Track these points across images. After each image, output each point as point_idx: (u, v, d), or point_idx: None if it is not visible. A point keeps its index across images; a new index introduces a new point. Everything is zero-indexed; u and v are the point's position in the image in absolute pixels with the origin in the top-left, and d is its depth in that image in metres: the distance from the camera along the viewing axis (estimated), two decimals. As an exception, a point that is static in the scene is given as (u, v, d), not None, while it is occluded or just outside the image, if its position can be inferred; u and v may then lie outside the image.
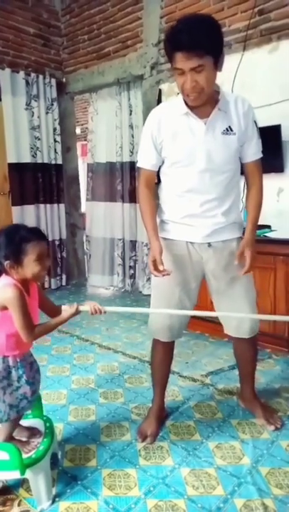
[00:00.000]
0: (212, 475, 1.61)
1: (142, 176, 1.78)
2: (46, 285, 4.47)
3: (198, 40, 1.42)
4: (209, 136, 1.61)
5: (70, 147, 4.81)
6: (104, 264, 4.61)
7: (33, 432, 1.59)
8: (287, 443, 1.79)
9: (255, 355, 1.99)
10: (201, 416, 2.02)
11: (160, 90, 3.63)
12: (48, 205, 4.45)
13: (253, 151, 1.72)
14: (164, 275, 1.60)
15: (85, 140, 6.16)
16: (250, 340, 1.88)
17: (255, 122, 1.69)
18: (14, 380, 1.45)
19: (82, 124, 7.66)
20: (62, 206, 4.59)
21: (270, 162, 2.44)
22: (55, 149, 4.44)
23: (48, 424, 1.64)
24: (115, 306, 3.70)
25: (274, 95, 2.84)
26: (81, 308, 1.49)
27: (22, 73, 4.08)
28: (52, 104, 4.36)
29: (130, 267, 4.40)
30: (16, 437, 1.55)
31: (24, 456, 1.44)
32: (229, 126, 1.63)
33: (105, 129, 4.42)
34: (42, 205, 4.39)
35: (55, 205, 4.52)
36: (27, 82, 4.13)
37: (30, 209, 4.27)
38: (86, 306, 1.50)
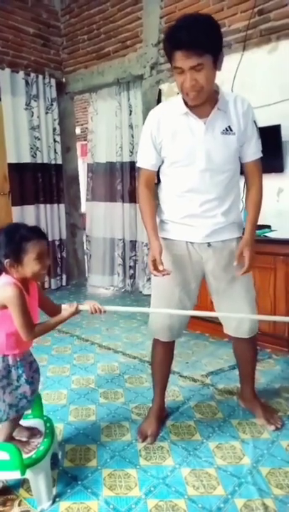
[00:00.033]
0: (212, 475, 1.61)
1: (141, 176, 1.78)
2: (46, 285, 4.47)
3: (198, 39, 1.42)
4: (209, 136, 1.61)
5: (69, 147, 4.81)
6: (104, 264, 4.61)
7: (33, 432, 1.59)
8: (288, 443, 1.79)
9: (255, 355, 1.99)
10: (201, 416, 2.02)
11: (160, 90, 3.63)
12: (48, 205, 4.45)
13: (253, 151, 1.72)
14: (163, 275, 1.60)
15: (85, 140, 6.16)
16: (250, 340, 1.88)
17: (254, 122, 1.69)
18: (14, 379, 1.45)
19: (82, 124, 7.67)
20: (62, 206, 4.59)
21: (270, 162, 2.44)
22: (55, 149, 4.44)
23: (48, 424, 1.64)
24: (115, 306, 3.70)
25: (274, 95, 2.84)
26: (81, 307, 1.49)
27: (22, 73, 4.08)
28: (52, 104, 4.36)
29: (130, 267, 4.40)
30: (16, 437, 1.55)
31: (24, 456, 1.44)
32: (229, 126, 1.63)
33: (105, 129, 4.42)
34: (42, 205, 4.39)
35: (55, 205, 4.53)
36: (27, 82, 4.13)
37: (30, 209, 4.27)
38: (86, 306, 1.50)
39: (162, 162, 1.73)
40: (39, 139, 4.28)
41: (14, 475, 1.43)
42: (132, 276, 4.42)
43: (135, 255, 4.36)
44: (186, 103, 1.61)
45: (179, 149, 1.64)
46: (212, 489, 1.54)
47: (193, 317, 2.10)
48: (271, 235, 2.81)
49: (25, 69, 4.17)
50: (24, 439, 1.56)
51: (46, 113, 4.33)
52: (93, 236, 4.71)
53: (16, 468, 1.40)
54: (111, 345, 2.95)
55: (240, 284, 1.78)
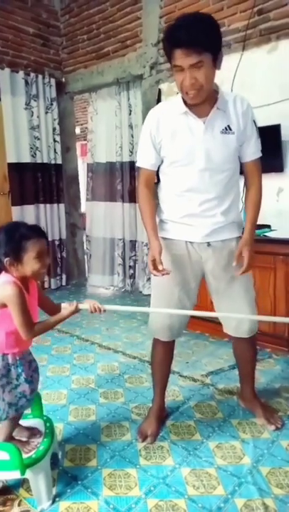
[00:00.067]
0: (212, 475, 1.61)
1: (141, 176, 1.78)
2: (46, 285, 4.47)
3: (197, 37, 1.42)
4: (208, 136, 1.61)
5: (69, 147, 4.81)
6: (104, 264, 4.61)
7: (33, 431, 1.59)
8: (288, 443, 1.79)
9: (255, 354, 1.99)
10: (201, 416, 2.02)
11: (160, 90, 3.63)
12: (48, 205, 4.45)
13: (252, 151, 1.71)
14: (163, 275, 1.60)
15: (85, 140, 6.16)
16: (250, 340, 1.88)
17: (254, 122, 1.68)
18: (13, 378, 1.45)
19: (81, 124, 7.67)
20: (62, 206, 4.59)
21: (269, 162, 2.44)
22: (55, 149, 4.44)
23: (48, 424, 1.64)
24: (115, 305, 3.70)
25: (273, 95, 2.84)
26: (80, 306, 1.49)
27: (21, 73, 4.08)
28: (51, 104, 4.36)
29: (130, 266, 4.40)
30: (16, 437, 1.55)
31: (24, 456, 1.44)
32: (228, 126, 1.62)
33: (105, 128, 4.42)
34: (42, 205, 4.39)
35: (55, 205, 4.53)
36: (26, 82, 4.13)
37: (30, 209, 4.27)
38: (85, 305, 1.50)
39: (162, 161, 1.73)
40: (39, 139, 4.28)
41: (14, 475, 1.43)
42: (132, 276, 4.42)
43: (135, 255, 4.36)
44: (185, 102, 1.61)
45: (179, 149, 1.64)
46: (212, 489, 1.54)
47: (193, 317, 2.10)
48: (271, 234, 2.81)
49: (25, 69, 4.17)
50: (24, 439, 1.56)
51: (46, 113, 4.33)
52: (93, 236, 4.71)
53: (16, 468, 1.40)
54: (111, 345, 2.95)
55: (239, 284, 1.77)
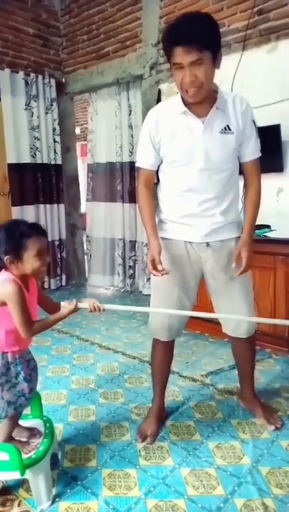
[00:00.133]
0: (212, 475, 1.61)
1: (141, 176, 1.78)
2: (46, 285, 4.47)
3: (197, 34, 1.43)
4: (207, 135, 1.61)
5: (69, 147, 4.81)
6: (105, 264, 4.61)
7: (32, 432, 1.59)
8: (288, 443, 1.79)
9: (254, 354, 1.99)
10: (201, 416, 2.02)
11: (159, 90, 3.63)
12: (48, 206, 4.45)
13: (252, 151, 1.71)
14: (162, 275, 1.60)
15: (85, 140, 6.17)
16: (248, 340, 1.88)
17: (253, 121, 1.68)
18: (12, 377, 1.45)
19: (81, 124, 7.67)
20: (62, 206, 4.59)
21: (269, 162, 2.45)
22: (55, 149, 4.44)
23: (47, 425, 1.64)
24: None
25: (273, 95, 2.84)
26: (80, 305, 1.49)
27: (21, 73, 4.08)
28: (51, 105, 4.36)
29: (130, 267, 4.40)
30: (16, 438, 1.55)
31: (24, 456, 1.44)
32: (227, 125, 1.62)
33: (105, 129, 4.42)
34: (42, 206, 4.39)
35: (55, 206, 4.53)
36: (26, 83, 4.13)
37: (30, 209, 4.28)
38: (85, 304, 1.50)
39: (161, 161, 1.73)
40: (39, 139, 4.28)
41: (14, 475, 1.43)
42: (132, 276, 4.42)
43: (135, 255, 4.36)
44: (184, 102, 1.61)
45: (178, 149, 1.64)
46: (212, 489, 1.54)
47: (193, 317, 2.10)
48: (271, 234, 2.81)
49: (25, 69, 4.17)
50: (24, 440, 1.55)
51: (46, 113, 4.33)
52: (93, 236, 4.72)
53: (16, 469, 1.40)
54: (111, 345, 2.95)
55: (238, 284, 1.77)
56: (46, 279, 4.47)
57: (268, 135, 2.58)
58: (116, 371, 2.53)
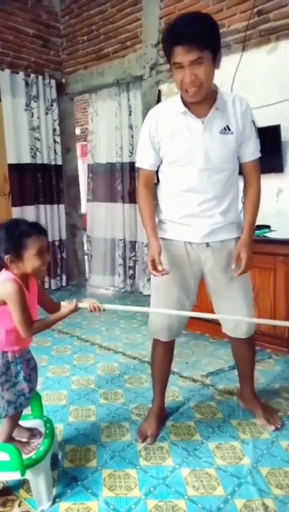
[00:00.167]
0: (212, 475, 1.61)
1: (140, 176, 1.78)
2: (46, 286, 4.47)
3: (198, 34, 1.44)
4: (207, 136, 1.61)
5: (69, 148, 4.81)
6: (105, 265, 4.61)
7: (33, 432, 1.59)
8: (288, 443, 1.79)
9: (253, 354, 1.99)
10: (201, 416, 2.02)
11: (159, 91, 3.64)
12: (48, 206, 4.45)
13: (251, 151, 1.71)
14: (162, 275, 1.60)
15: (85, 141, 6.17)
16: (248, 340, 1.88)
17: (253, 122, 1.69)
18: (12, 376, 1.45)
19: (81, 125, 7.68)
20: (62, 207, 4.59)
21: (269, 162, 2.45)
22: (55, 150, 4.45)
23: (48, 425, 1.64)
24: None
25: (273, 95, 2.85)
26: (80, 305, 1.49)
27: (22, 74, 4.09)
28: (51, 105, 4.36)
29: (130, 267, 4.41)
30: (16, 438, 1.55)
31: (24, 456, 1.44)
32: (227, 126, 1.62)
33: (105, 129, 4.43)
34: (42, 206, 4.39)
35: (55, 206, 4.53)
36: (26, 83, 4.13)
37: (30, 210, 4.28)
38: (85, 303, 1.50)
39: (161, 162, 1.73)
40: (39, 140, 4.28)
41: (14, 476, 1.43)
42: (132, 277, 4.42)
43: (135, 256, 4.36)
44: (184, 102, 1.61)
45: (178, 149, 1.64)
46: (212, 489, 1.54)
47: (193, 317, 2.10)
48: (271, 235, 2.81)
49: (25, 70, 4.18)
50: (24, 440, 1.56)
51: (46, 114, 4.33)
52: (94, 236, 4.72)
53: (16, 469, 1.40)
54: (111, 345, 2.96)
55: (238, 285, 1.77)
56: (47, 279, 4.47)
57: (268, 135, 2.58)
58: (116, 371, 2.54)
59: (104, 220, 4.57)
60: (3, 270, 1.42)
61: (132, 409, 2.09)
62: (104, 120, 4.43)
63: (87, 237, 4.85)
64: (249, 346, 1.92)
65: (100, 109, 4.47)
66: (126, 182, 4.31)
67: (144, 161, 1.74)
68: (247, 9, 2.96)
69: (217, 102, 1.60)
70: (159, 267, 1.60)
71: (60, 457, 1.73)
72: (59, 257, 4.60)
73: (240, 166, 1.75)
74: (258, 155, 1.74)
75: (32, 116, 4.22)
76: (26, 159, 4.19)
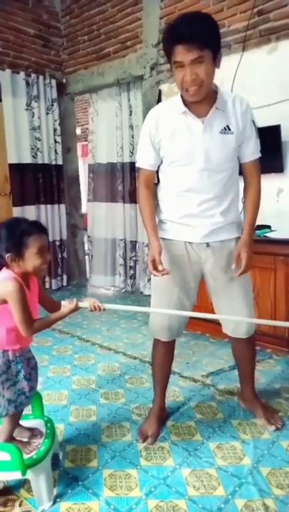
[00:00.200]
0: (213, 475, 1.61)
1: (141, 176, 1.78)
2: (47, 285, 4.48)
3: (198, 33, 1.44)
4: (207, 135, 1.62)
5: (70, 148, 4.82)
6: (106, 265, 4.62)
7: (34, 432, 1.60)
8: (288, 443, 1.79)
9: (254, 355, 1.99)
10: (201, 416, 2.02)
11: (160, 91, 3.64)
12: (49, 206, 4.46)
13: (251, 151, 1.71)
14: (163, 275, 1.60)
15: (86, 141, 6.17)
16: (248, 341, 1.88)
17: (253, 122, 1.69)
18: (13, 375, 1.45)
19: (82, 125, 7.67)
20: (62, 207, 4.60)
21: (269, 162, 2.45)
22: (56, 150, 4.45)
23: (49, 425, 1.64)
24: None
25: (273, 95, 2.85)
26: (80, 304, 1.49)
27: (22, 74, 4.09)
28: (52, 105, 4.36)
29: (131, 267, 4.41)
30: (17, 438, 1.55)
31: (25, 456, 1.44)
32: (227, 126, 1.63)
33: (106, 129, 4.43)
34: (42, 206, 4.40)
35: (56, 206, 4.53)
36: (27, 83, 4.14)
37: (30, 210, 4.28)
38: (85, 303, 1.50)
39: (161, 161, 1.73)
40: (40, 140, 4.29)
41: (15, 475, 1.43)
42: (133, 277, 4.42)
43: (136, 256, 4.37)
44: (184, 102, 1.61)
45: (178, 149, 1.64)
46: (212, 490, 1.54)
47: (193, 317, 2.10)
48: (271, 235, 2.81)
49: (26, 70, 4.18)
50: (25, 440, 1.56)
51: (47, 114, 4.34)
52: (95, 236, 4.72)
53: (17, 469, 1.40)
54: (112, 345, 2.96)
55: (238, 285, 1.77)
56: (47, 279, 4.48)
57: (268, 135, 2.59)
58: (117, 371, 2.54)
59: (105, 220, 4.57)
60: (4, 269, 1.42)
61: (133, 409, 2.09)
62: (104, 120, 4.44)
63: (88, 237, 4.85)
64: (249, 346, 1.93)
65: (100, 109, 4.47)
66: (126, 182, 4.31)
67: (144, 161, 1.74)
68: (247, 9, 2.96)
69: (217, 102, 1.60)
70: (160, 267, 1.60)
71: (60, 457, 1.73)
72: (60, 256, 4.60)
73: (241, 166, 1.75)
74: (258, 155, 1.74)
75: (33, 116, 4.22)
76: (27, 159, 4.20)
